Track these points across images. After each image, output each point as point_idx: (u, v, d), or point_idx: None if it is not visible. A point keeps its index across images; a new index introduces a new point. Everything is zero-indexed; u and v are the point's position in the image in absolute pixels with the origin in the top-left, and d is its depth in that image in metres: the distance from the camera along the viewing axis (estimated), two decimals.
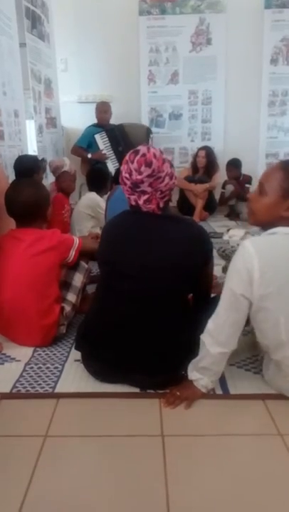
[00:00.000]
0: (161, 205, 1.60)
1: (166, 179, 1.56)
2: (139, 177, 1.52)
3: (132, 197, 1.59)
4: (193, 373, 1.59)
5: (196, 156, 5.03)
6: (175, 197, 5.02)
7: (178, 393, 1.58)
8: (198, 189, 4.86)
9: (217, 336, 1.48)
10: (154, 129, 5.32)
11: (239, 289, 1.41)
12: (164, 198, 1.59)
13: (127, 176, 1.55)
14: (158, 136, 5.30)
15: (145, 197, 1.56)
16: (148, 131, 4.99)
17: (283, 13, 5.04)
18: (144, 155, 1.52)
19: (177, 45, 5.14)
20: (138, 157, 1.52)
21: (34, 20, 4.18)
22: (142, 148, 1.55)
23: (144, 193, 1.56)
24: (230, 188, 4.94)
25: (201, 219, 4.75)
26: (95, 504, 1.16)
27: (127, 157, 1.57)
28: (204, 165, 4.97)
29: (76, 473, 1.27)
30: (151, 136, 4.99)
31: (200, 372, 1.57)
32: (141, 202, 1.57)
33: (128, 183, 1.56)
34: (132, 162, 1.53)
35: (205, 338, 1.52)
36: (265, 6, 5.04)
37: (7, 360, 1.89)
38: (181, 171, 5.12)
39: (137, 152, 1.55)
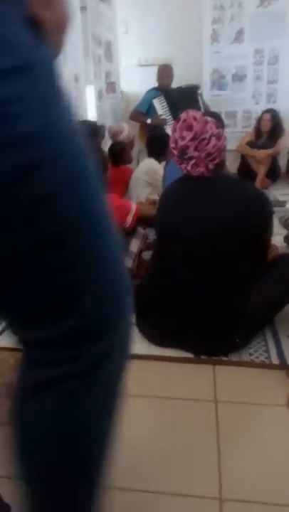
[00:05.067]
0: (211, 167, 1.55)
1: (213, 140, 1.51)
2: (182, 143, 1.51)
3: (182, 165, 1.58)
4: None
5: (260, 119, 4.78)
6: (236, 163, 4.85)
7: None
8: (260, 155, 4.65)
9: None
10: (215, 92, 5.10)
11: None
12: (213, 160, 1.54)
13: (174, 145, 1.55)
14: (220, 99, 5.08)
15: (192, 162, 1.54)
16: (194, 89, 4.71)
17: None
18: (184, 120, 1.51)
19: (243, 0, 4.83)
20: (179, 124, 1.52)
21: None
22: (182, 115, 1.54)
23: (191, 158, 1.53)
24: None
25: (263, 186, 4.57)
26: (146, 463, 1.19)
27: (172, 128, 1.57)
28: (269, 129, 4.72)
29: (128, 432, 1.31)
30: (199, 92, 4.71)
31: None
32: (189, 167, 1.55)
33: (175, 152, 1.56)
34: (175, 130, 1.53)
35: None
36: None
37: None
38: (244, 136, 4.90)
39: (178, 120, 1.54)
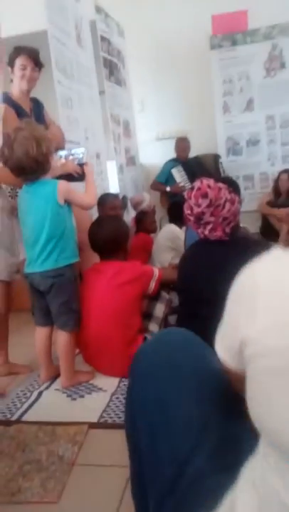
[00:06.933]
0: (228, 230, 1.61)
1: (227, 205, 1.57)
2: (199, 210, 1.58)
3: (199, 230, 1.65)
4: None
5: (277, 179, 4.90)
6: (258, 223, 4.91)
7: None
8: (281, 213, 4.71)
9: None
10: (231, 157, 5.31)
11: None
12: (229, 223, 1.60)
13: (189, 212, 1.63)
14: (236, 164, 5.27)
15: (209, 226, 1.60)
16: (216, 158, 4.99)
17: None
18: (199, 188, 1.58)
19: (250, 73, 5.15)
20: (194, 192, 1.59)
21: (111, 68, 4.47)
22: (196, 183, 1.62)
23: (207, 223, 1.60)
24: None
25: (286, 245, 4.57)
26: None
27: (185, 195, 1.65)
28: (287, 188, 4.82)
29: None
30: (220, 161, 4.98)
31: None
32: (206, 232, 1.61)
33: (191, 218, 1.63)
34: (190, 198, 1.60)
35: None
36: None
37: (94, 389, 1.94)
38: (262, 197, 5.01)
39: (192, 188, 1.62)
